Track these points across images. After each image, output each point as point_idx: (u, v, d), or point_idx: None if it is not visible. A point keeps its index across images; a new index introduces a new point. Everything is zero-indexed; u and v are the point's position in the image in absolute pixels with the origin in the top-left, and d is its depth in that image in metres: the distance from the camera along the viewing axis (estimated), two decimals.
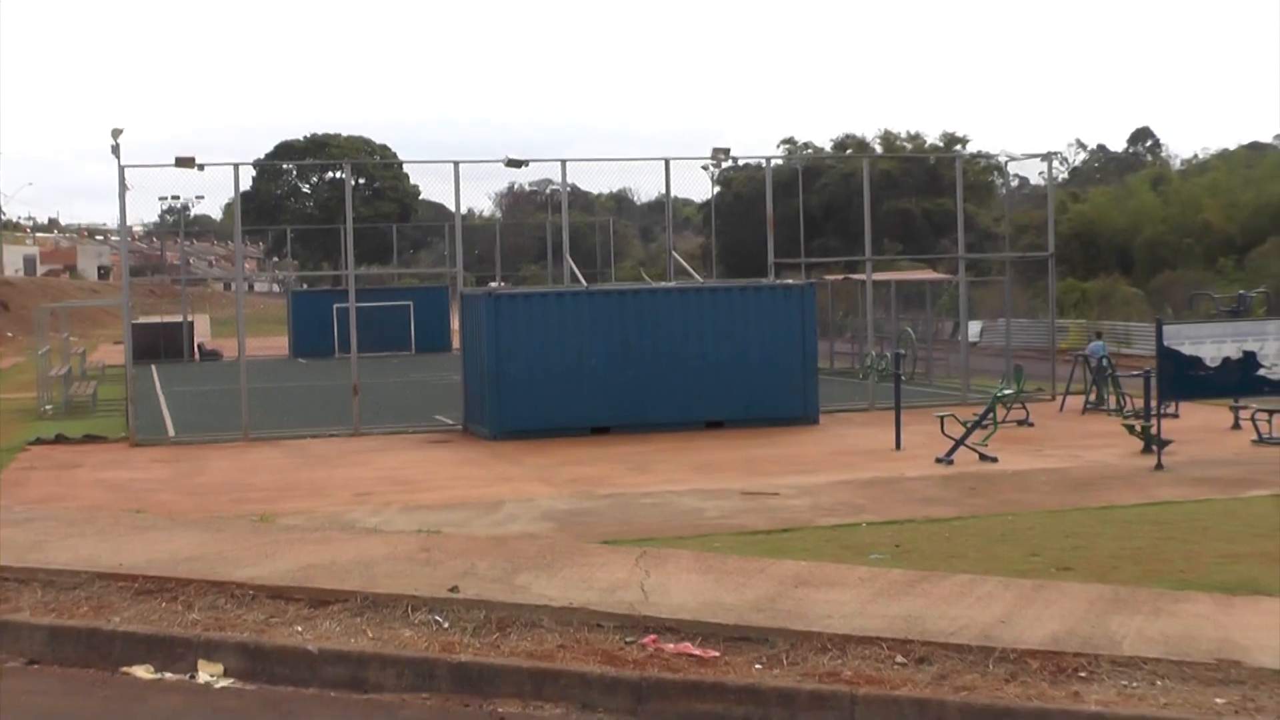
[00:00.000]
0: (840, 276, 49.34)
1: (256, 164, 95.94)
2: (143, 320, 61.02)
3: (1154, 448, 23.12)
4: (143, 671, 11.93)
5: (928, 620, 11.86)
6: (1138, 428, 24.83)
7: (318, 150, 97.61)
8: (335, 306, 56.15)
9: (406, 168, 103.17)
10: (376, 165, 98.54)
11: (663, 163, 35.62)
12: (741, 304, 30.42)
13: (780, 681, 10.71)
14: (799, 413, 30.14)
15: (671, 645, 11.47)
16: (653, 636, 11.69)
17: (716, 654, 11.28)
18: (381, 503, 20.51)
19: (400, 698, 11.15)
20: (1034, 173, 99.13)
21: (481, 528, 17.97)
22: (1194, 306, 38.98)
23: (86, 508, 20.03)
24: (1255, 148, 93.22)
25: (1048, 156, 40.13)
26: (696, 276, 37.77)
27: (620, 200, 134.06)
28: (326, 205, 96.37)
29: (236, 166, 32.41)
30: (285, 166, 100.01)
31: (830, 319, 47.28)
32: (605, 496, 20.84)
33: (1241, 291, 35.98)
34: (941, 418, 25.44)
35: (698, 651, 11.32)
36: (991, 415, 25.22)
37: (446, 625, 12.26)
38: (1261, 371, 23.45)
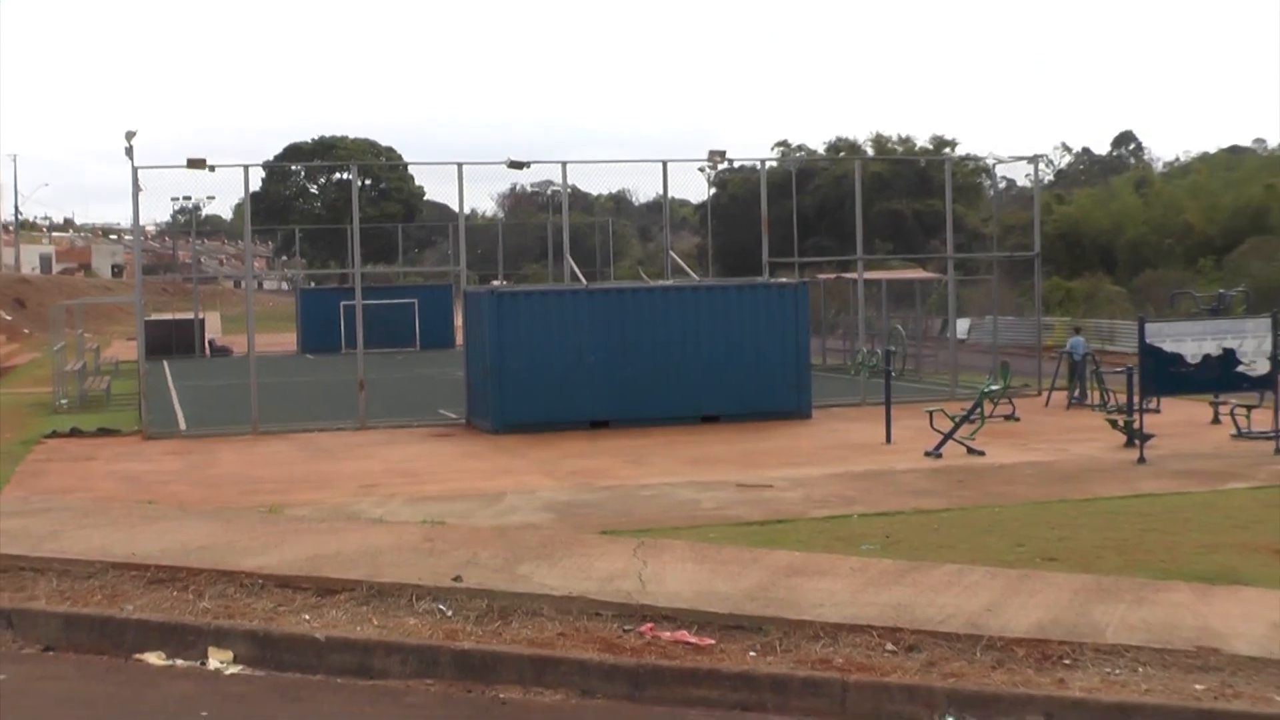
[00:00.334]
0: (833, 275, 49.29)
1: (266, 165, 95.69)
2: (155, 317, 60.96)
3: (1136, 442, 23.13)
4: (155, 658, 11.94)
5: (917, 609, 11.87)
6: (1121, 422, 24.84)
7: (325, 152, 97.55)
8: (342, 304, 56.06)
9: (411, 169, 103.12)
10: (382, 167, 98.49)
11: (660, 165, 35.60)
12: (737, 302, 30.42)
13: (774, 669, 10.72)
14: (792, 408, 30.13)
15: (668, 633, 11.48)
16: (650, 625, 11.70)
17: (712, 642, 11.29)
18: (387, 494, 20.51)
19: (405, 684, 11.16)
20: (1021, 175, 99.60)
21: (484, 519, 17.98)
22: (1175, 305, 38.89)
23: (100, 499, 20.03)
24: (1235, 151, 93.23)
25: (1034, 159, 40.10)
26: (693, 275, 37.74)
27: (619, 201, 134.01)
28: (334, 206, 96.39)
29: (246, 168, 32.37)
30: (294, 168, 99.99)
31: (823, 317, 47.29)
32: (604, 489, 20.83)
33: (1221, 291, 35.88)
34: (931, 413, 25.45)
35: (693, 639, 11.32)
36: (979, 410, 25.20)
37: (450, 613, 12.27)
38: (1240, 368, 23.46)
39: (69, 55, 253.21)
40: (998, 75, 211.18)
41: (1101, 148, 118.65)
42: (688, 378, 29.49)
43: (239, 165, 32.16)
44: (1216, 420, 27.23)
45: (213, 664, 11.73)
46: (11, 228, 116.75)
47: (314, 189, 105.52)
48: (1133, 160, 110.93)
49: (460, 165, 32.53)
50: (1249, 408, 25.77)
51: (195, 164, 31.25)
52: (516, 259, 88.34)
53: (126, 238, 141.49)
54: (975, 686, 10.21)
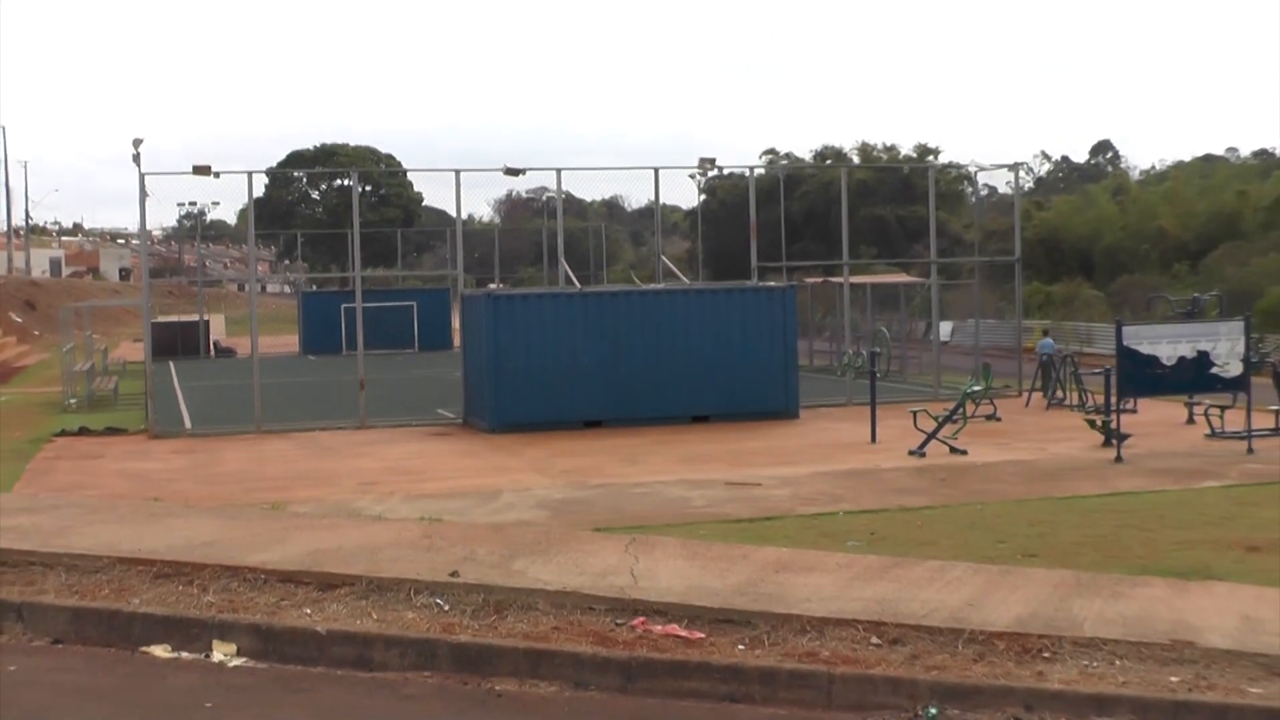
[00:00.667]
0: (819, 279, 49.36)
1: (269, 172, 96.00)
2: (161, 319, 60.87)
3: (1114, 441, 23.16)
4: (161, 651, 11.92)
5: (901, 603, 11.87)
6: (1098, 422, 24.85)
7: (327, 159, 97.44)
8: (343, 306, 56.02)
9: (410, 175, 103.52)
10: (382, 173, 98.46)
11: (652, 172, 35.61)
12: (726, 305, 30.43)
13: (762, 661, 10.72)
14: (780, 407, 30.15)
15: (659, 627, 11.47)
16: (642, 619, 11.69)
17: (702, 635, 11.29)
18: (386, 492, 20.50)
19: (403, 676, 11.15)
20: (1002, 182, 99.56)
21: (480, 516, 17.97)
22: (1151, 308, 38.94)
23: (108, 496, 20.01)
24: (1209, 159, 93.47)
25: (1014, 167, 40.16)
26: (684, 279, 37.79)
27: (612, 207, 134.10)
28: (335, 211, 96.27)
29: (250, 174, 32.35)
30: (296, 174, 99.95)
31: (810, 319, 47.26)
32: (597, 486, 20.83)
33: (1196, 295, 35.93)
34: (914, 413, 25.48)
35: (684, 633, 11.32)
36: (961, 410, 25.22)
37: (447, 608, 12.26)
38: (1214, 370, 23.51)
39: (78, 64, 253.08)
40: (980, 86, 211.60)
41: (1080, 156, 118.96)
42: (679, 378, 29.50)
43: (243, 172, 32.27)
44: (1191, 420, 27.27)
45: (217, 656, 11.72)
46: (22, 232, 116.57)
47: (315, 195, 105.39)
48: (1110, 168, 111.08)
49: (458, 172, 32.56)
50: (1222, 408, 25.81)
51: (200, 170, 31.22)
52: (512, 263, 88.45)
53: (134, 242, 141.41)
54: (957, 679, 10.23)
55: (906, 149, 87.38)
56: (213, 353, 62.19)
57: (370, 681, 11.08)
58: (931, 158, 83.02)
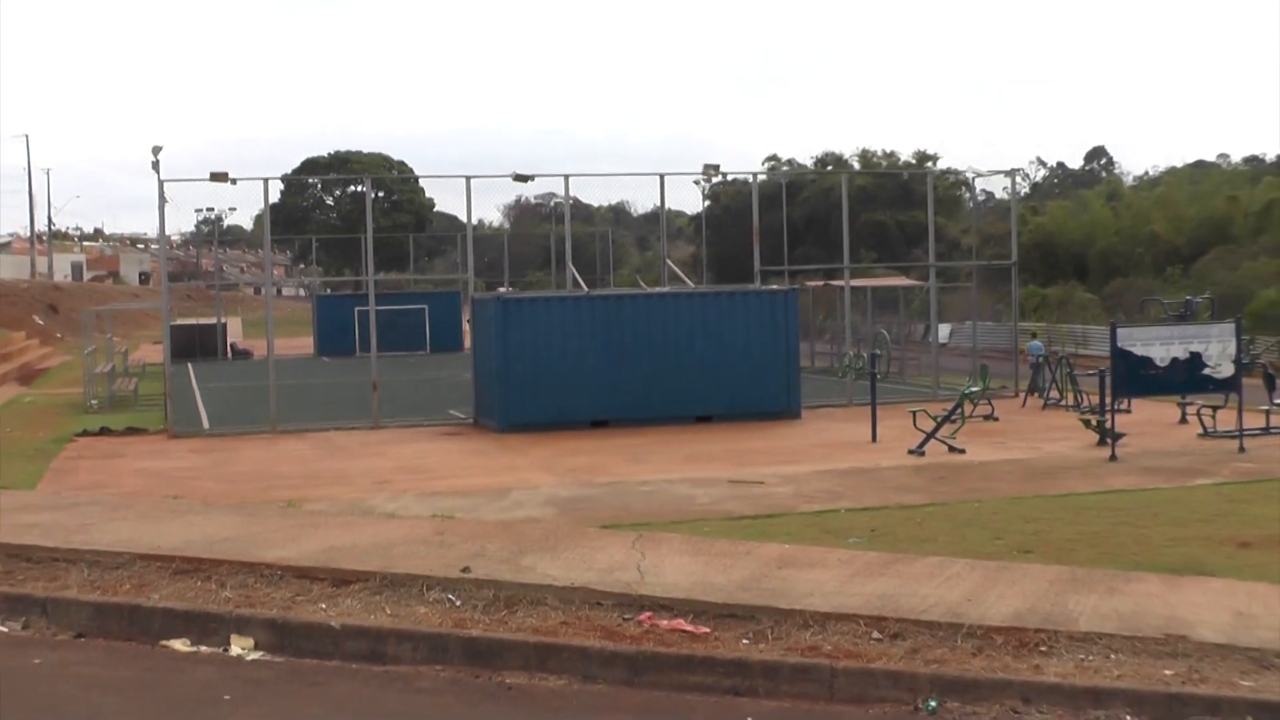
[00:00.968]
0: (820, 283, 49.30)
1: (284, 178, 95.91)
2: (180, 322, 60.84)
3: (1108, 440, 23.13)
4: (180, 645, 11.94)
5: (901, 599, 11.86)
6: (1093, 422, 24.83)
7: (341, 166, 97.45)
8: (356, 309, 56.11)
9: (422, 182, 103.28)
10: (395, 180, 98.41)
11: (658, 178, 35.63)
12: (729, 308, 30.43)
13: (766, 655, 10.71)
14: (782, 408, 30.14)
15: (665, 622, 11.47)
16: (648, 614, 11.69)
17: (707, 630, 11.28)
18: (399, 490, 20.49)
19: (416, 669, 11.15)
20: (999, 188, 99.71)
21: (490, 513, 17.96)
22: (1145, 311, 38.87)
23: (128, 494, 20.03)
24: (1200, 166, 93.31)
25: (1011, 173, 40.19)
26: (689, 282, 37.79)
27: (618, 212, 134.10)
28: (348, 216, 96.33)
29: (266, 181, 32.37)
30: (311, 181, 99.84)
31: (811, 322, 47.21)
32: (604, 485, 20.82)
33: (1188, 297, 35.87)
34: (914, 413, 25.47)
35: (689, 628, 11.31)
36: (959, 410, 25.19)
37: (458, 603, 12.26)
38: (1206, 371, 23.47)
39: (98, 74, 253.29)
40: (977, 94, 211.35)
41: (1075, 162, 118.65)
42: (683, 379, 29.49)
43: (259, 178, 32.18)
44: (1184, 420, 27.24)
45: (234, 650, 11.72)
46: (45, 238, 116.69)
47: (330, 201, 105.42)
48: (1104, 174, 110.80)
49: (468, 178, 32.56)
50: (1214, 408, 25.79)
51: (218, 177, 31.23)
52: (521, 267, 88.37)
53: (153, 247, 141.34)
54: (956, 672, 10.21)
55: (906, 155, 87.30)
56: (230, 355, 62.24)
57: (384, 675, 11.08)
58: (930, 164, 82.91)
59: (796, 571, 13.04)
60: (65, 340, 69.52)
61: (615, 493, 19.94)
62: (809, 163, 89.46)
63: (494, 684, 10.77)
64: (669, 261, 39.29)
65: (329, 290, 75.92)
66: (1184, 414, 27.39)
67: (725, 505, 18.52)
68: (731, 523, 17.00)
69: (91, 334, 45.62)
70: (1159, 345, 23.32)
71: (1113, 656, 10.42)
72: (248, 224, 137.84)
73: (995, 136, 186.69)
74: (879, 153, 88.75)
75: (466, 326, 45.04)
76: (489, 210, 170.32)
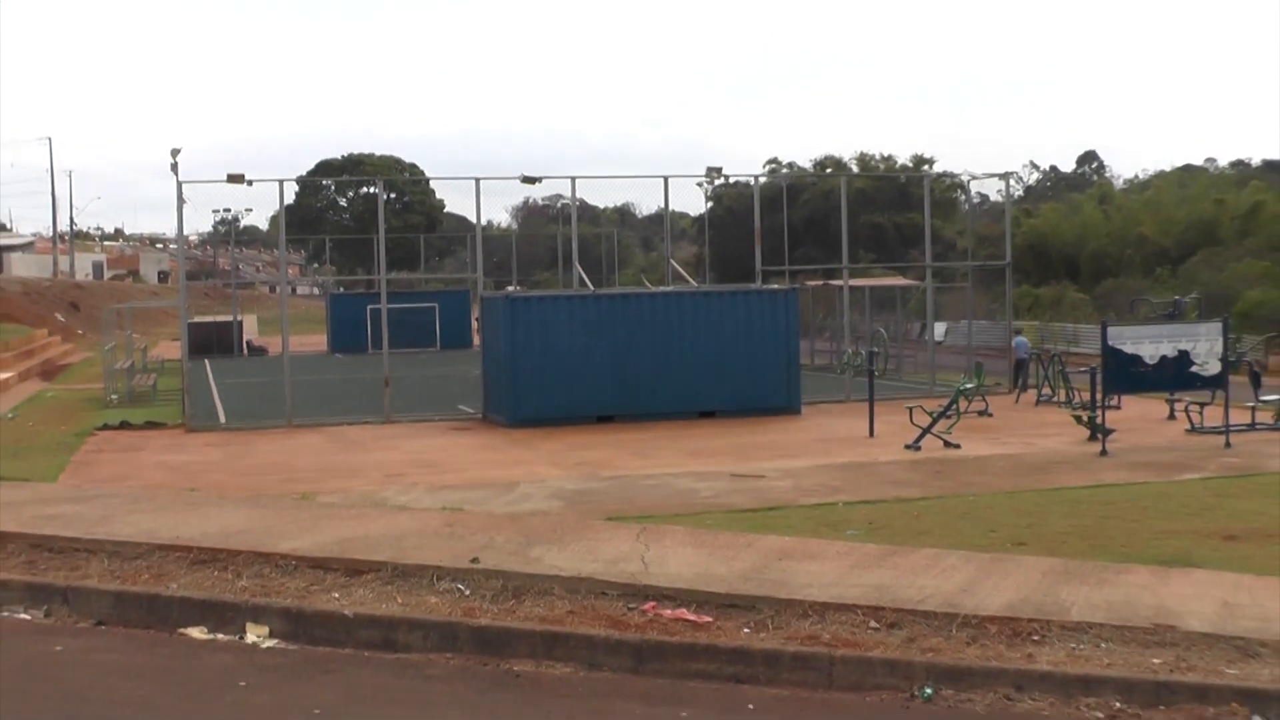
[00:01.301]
0: (820, 282, 49.27)
1: (299, 180, 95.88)
2: (197, 319, 60.80)
3: (1099, 436, 23.13)
4: (197, 632, 11.95)
5: (898, 589, 11.86)
6: (1085, 418, 24.83)
7: (354, 168, 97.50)
8: (369, 307, 56.02)
9: (432, 183, 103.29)
10: (406, 181, 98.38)
11: (662, 180, 35.67)
12: (731, 306, 30.42)
13: (766, 644, 10.72)
14: (783, 404, 30.13)
15: (669, 611, 11.47)
16: (652, 603, 11.69)
17: (709, 619, 11.28)
18: (410, 483, 20.50)
19: (427, 657, 11.16)
20: (993, 191, 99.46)
21: (499, 506, 17.97)
22: (1134, 310, 38.90)
23: (147, 486, 20.04)
24: (1188, 169, 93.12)
25: (1005, 176, 40.08)
26: (692, 282, 37.77)
27: (624, 213, 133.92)
28: (361, 217, 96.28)
29: (281, 182, 32.41)
30: (325, 183, 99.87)
31: (811, 320, 47.19)
32: (609, 478, 20.82)
33: (1177, 297, 35.89)
34: (910, 409, 25.44)
35: (692, 617, 11.32)
36: (955, 407, 25.18)
37: (468, 592, 12.27)
38: (1194, 368, 23.46)
39: (119, 79, 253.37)
40: (972, 99, 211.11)
41: (1067, 166, 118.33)
42: (686, 376, 29.50)
43: (274, 180, 32.25)
44: (1172, 416, 27.23)
45: (250, 638, 11.74)
46: (67, 237, 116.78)
47: (343, 202, 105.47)
48: (1095, 178, 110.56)
49: (478, 180, 32.53)
50: (1201, 405, 25.76)
51: (234, 179, 31.26)
52: (529, 267, 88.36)
53: (171, 246, 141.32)
54: (951, 660, 10.22)
55: (903, 159, 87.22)
56: (246, 351, 62.22)
57: (395, 662, 11.09)
58: (927, 167, 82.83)
59: (796, 563, 13.04)
60: (86, 337, 69.54)
61: (620, 486, 19.94)
62: (809, 166, 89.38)
63: (502, 671, 10.78)
64: (673, 261, 39.27)
65: (342, 289, 75.90)
66: (1172, 410, 27.37)
67: (727, 498, 18.51)
68: (733, 515, 17.00)
69: (112, 331, 45.61)
70: (1148, 344, 23.31)
71: (1103, 645, 10.42)
72: (263, 224, 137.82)
73: (990, 141, 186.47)
74: (877, 156, 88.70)
75: (476, 324, 45.05)
76: (498, 211, 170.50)
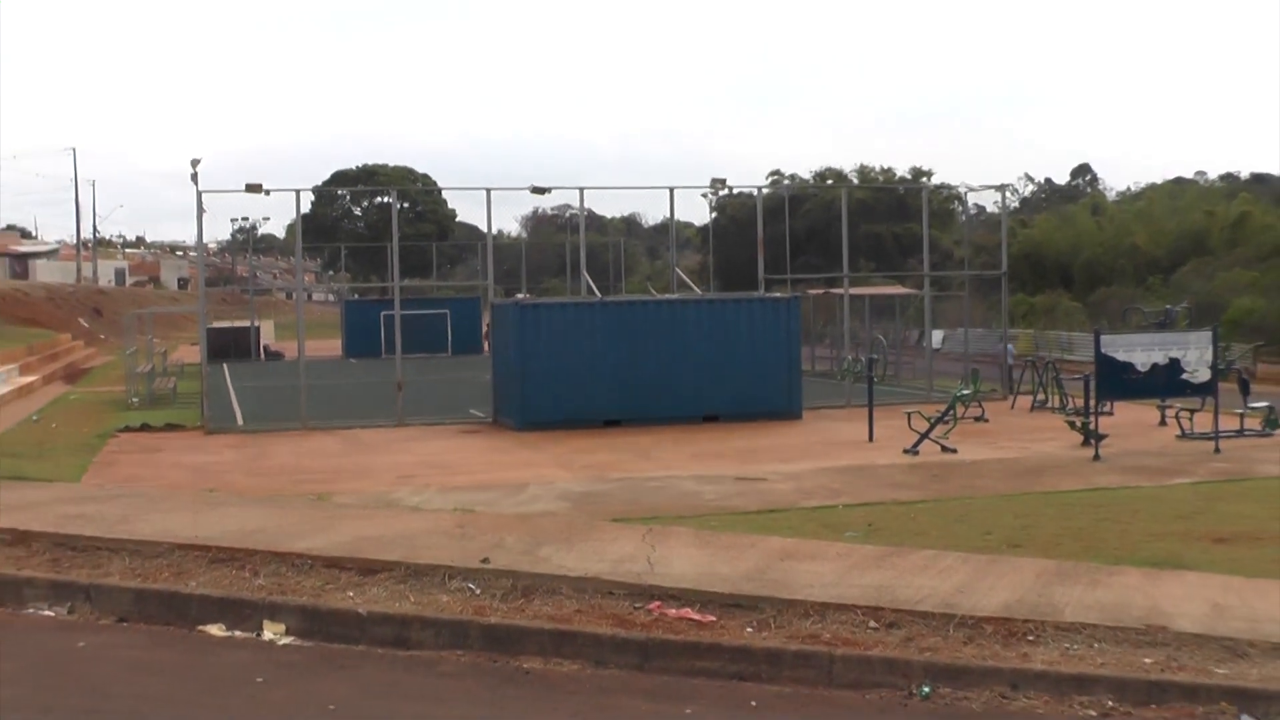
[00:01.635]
0: (821, 291, 49.25)
1: (315, 190, 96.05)
2: (216, 325, 60.82)
3: (1092, 441, 23.10)
4: (215, 629, 11.96)
5: (896, 590, 11.85)
6: (1078, 423, 24.80)
7: (368, 178, 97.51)
8: (382, 314, 56.16)
9: (444, 193, 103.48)
10: (419, 191, 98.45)
11: (668, 191, 35.55)
12: (735, 314, 30.43)
13: (768, 642, 10.71)
14: (784, 409, 30.12)
15: (674, 610, 11.47)
16: (658, 603, 11.69)
17: (713, 618, 11.28)
18: (422, 484, 20.50)
19: (438, 654, 11.16)
20: (989, 202, 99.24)
21: (509, 507, 17.97)
22: (1126, 319, 38.82)
23: (167, 486, 20.05)
24: (1179, 182, 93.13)
25: (1001, 188, 40.12)
26: (696, 290, 37.76)
27: (630, 223, 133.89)
28: (375, 226, 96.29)
29: (298, 192, 32.45)
30: (340, 192, 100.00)
31: (812, 328, 47.20)
32: (616, 480, 20.82)
33: (1168, 306, 35.82)
34: (909, 414, 25.44)
35: (697, 616, 11.31)
36: (952, 412, 25.16)
37: (478, 591, 12.26)
38: (1184, 376, 23.44)
39: (141, 91, 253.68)
40: (969, 112, 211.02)
41: (1061, 178, 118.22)
42: (691, 381, 29.50)
43: (291, 190, 32.37)
44: (1163, 422, 27.19)
45: (267, 635, 11.74)
46: (90, 245, 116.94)
47: (358, 211, 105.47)
48: (1089, 189, 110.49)
49: (488, 190, 32.62)
50: (1192, 411, 25.76)
51: (252, 188, 31.30)
52: (538, 274, 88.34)
53: (191, 254, 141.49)
54: (948, 659, 10.21)
55: (902, 171, 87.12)
56: (263, 356, 62.31)
57: (408, 659, 11.09)
58: (925, 179, 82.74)
59: (797, 564, 13.03)
60: (108, 341, 69.61)
61: (627, 488, 19.93)
62: (810, 178, 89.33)
63: (512, 668, 10.78)
64: (678, 270, 39.29)
65: (356, 295, 75.93)
66: (1163, 416, 27.34)
67: (730, 500, 18.50)
68: (736, 517, 16.98)
69: (133, 335, 45.68)
70: (1140, 351, 23.29)
71: (1096, 645, 10.41)
72: (280, 232, 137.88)
73: (986, 153, 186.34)
74: (876, 168, 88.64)
75: (486, 330, 45.04)
76: (508, 221, 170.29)
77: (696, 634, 10.93)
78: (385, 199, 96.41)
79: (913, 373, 42.14)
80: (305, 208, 74.83)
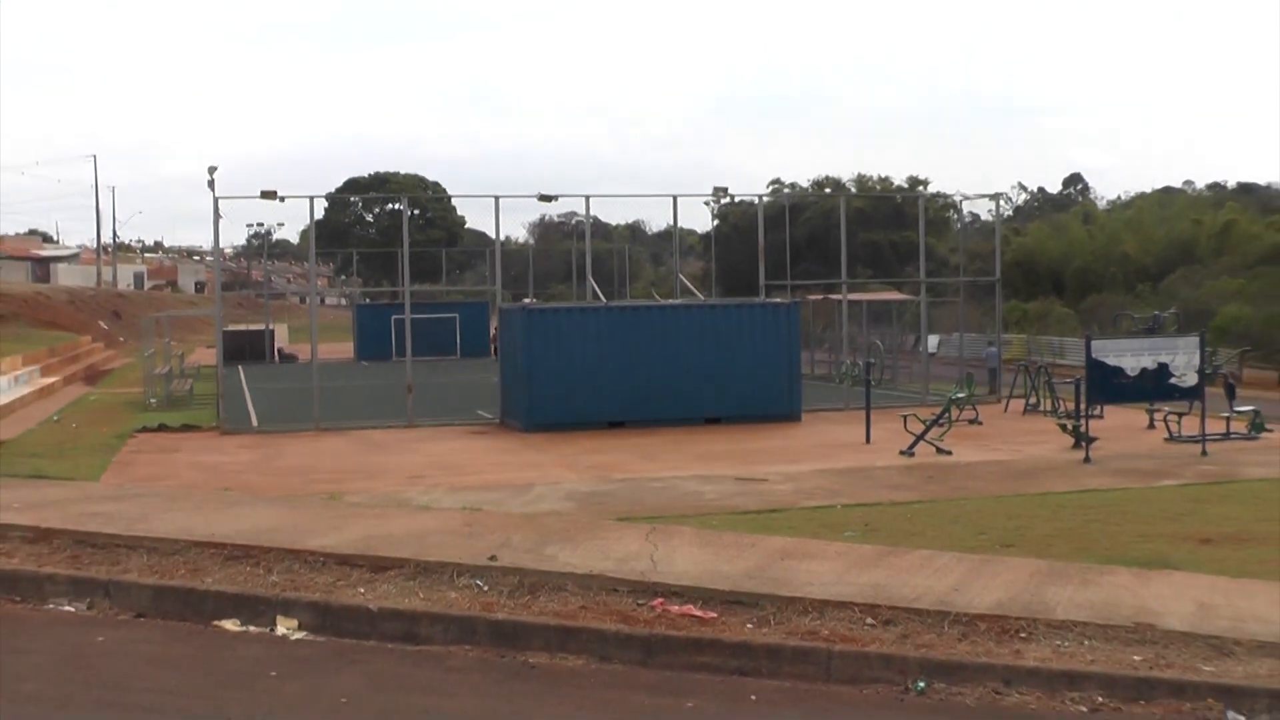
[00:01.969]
0: (820, 296, 49.25)
1: (328, 197, 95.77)
2: (231, 328, 60.89)
3: (1083, 444, 23.09)
4: (230, 625, 11.96)
5: (893, 588, 11.85)
6: (1069, 426, 24.78)
7: (380, 185, 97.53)
8: (393, 317, 56.11)
9: (454, 200, 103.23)
10: (429, 199, 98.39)
11: (671, 199, 35.67)
12: (736, 319, 30.43)
13: (768, 639, 10.71)
14: (784, 411, 30.12)
15: (676, 607, 11.47)
16: (660, 600, 11.69)
17: (715, 615, 11.28)
18: (431, 484, 20.50)
19: (447, 649, 11.16)
20: (984, 210, 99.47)
21: (515, 506, 17.97)
22: (1117, 324, 38.81)
23: (184, 486, 20.07)
24: (1168, 191, 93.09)
25: (995, 197, 40.12)
26: (699, 295, 37.79)
27: (635, 230, 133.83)
28: (386, 232, 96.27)
29: (311, 199, 32.45)
30: (352, 199, 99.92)
31: (811, 332, 47.18)
32: (620, 481, 20.82)
33: (1156, 312, 35.81)
34: (905, 417, 25.42)
35: (699, 613, 11.31)
36: (947, 415, 25.17)
37: (486, 588, 12.27)
38: (1173, 380, 23.44)
39: (160, 98, 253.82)
40: (964, 124, 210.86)
41: (1054, 187, 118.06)
42: (693, 384, 29.51)
43: (305, 196, 32.26)
44: (1152, 426, 27.17)
45: (280, 630, 11.74)
46: (110, 249, 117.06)
47: (369, 217, 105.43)
48: (1080, 198, 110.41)
49: (497, 198, 32.61)
50: (1180, 415, 25.74)
51: (268, 195, 31.33)
52: (545, 280, 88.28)
53: (208, 259, 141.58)
54: (943, 656, 10.21)
55: (899, 180, 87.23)
56: (277, 358, 62.33)
57: (417, 654, 11.10)
58: (921, 188, 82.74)
59: (797, 562, 13.03)
60: (127, 344, 69.63)
61: (630, 488, 19.93)
62: (810, 186, 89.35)
63: (518, 663, 10.78)
64: (681, 276, 39.33)
65: (368, 300, 76.02)
66: (1152, 420, 27.32)
67: (732, 500, 18.50)
68: (737, 517, 16.99)
69: (151, 338, 45.71)
70: (1130, 356, 23.29)
71: (1086, 643, 10.40)
72: (294, 238, 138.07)
73: (981, 163, 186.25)
74: (874, 177, 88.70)
75: (494, 334, 45.09)
76: (516, 228, 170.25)
77: (698, 630, 10.93)
78: (396, 206, 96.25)
79: (909, 377, 42.14)
80: (319, 214, 74.86)
